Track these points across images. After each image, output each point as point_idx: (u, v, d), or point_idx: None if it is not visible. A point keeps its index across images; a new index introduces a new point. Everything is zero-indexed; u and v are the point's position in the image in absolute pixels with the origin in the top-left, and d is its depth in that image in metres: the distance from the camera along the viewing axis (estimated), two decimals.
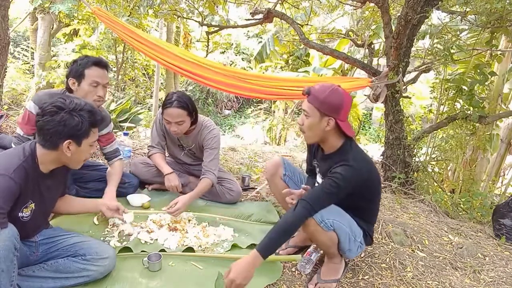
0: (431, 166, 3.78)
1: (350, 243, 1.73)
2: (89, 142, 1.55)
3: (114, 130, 2.54)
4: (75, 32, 7.39)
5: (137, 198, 2.49)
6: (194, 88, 13.18)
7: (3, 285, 1.27)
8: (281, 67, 9.60)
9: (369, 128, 12.24)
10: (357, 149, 1.76)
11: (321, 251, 2.01)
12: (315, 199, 1.63)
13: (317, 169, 1.93)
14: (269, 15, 3.80)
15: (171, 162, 2.76)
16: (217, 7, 5.26)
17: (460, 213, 3.27)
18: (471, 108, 3.26)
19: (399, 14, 3.21)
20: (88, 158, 1.62)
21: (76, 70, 2.09)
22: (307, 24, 5.77)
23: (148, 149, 2.72)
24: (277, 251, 2.05)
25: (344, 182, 1.61)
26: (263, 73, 8.11)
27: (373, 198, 1.83)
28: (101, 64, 2.14)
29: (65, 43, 7.81)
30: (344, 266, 1.90)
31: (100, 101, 2.16)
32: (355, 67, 5.88)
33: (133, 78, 8.06)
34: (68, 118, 1.45)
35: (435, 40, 2.96)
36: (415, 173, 3.38)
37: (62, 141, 1.46)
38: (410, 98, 4.49)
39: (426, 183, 3.43)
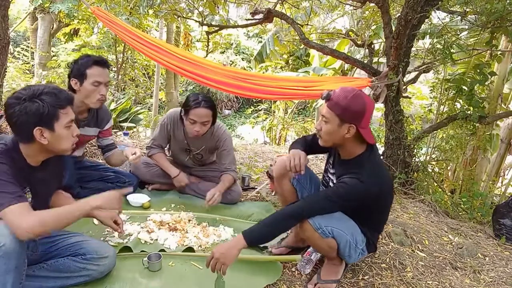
0: (431, 166, 3.77)
1: (350, 250, 1.70)
2: (63, 124, 1.44)
3: (114, 130, 2.56)
4: (75, 32, 7.39)
5: (137, 198, 2.50)
6: (194, 88, 13.20)
7: (14, 282, 1.27)
8: (281, 67, 9.59)
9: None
10: (375, 162, 1.68)
11: None
12: (311, 202, 1.63)
13: (331, 170, 1.87)
14: (269, 15, 3.80)
15: (172, 162, 2.76)
16: (217, 7, 5.26)
17: (460, 213, 3.27)
18: (471, 108, 3.25)
19: (399, 14, 3.21)
20: (75, 141, 1.52)
21: (78, 70, 2.11)
22: (307, 24, 5.76)
23: (147, 149, 2.72)
24: (270, 250, 2.05)
25: (348, 195, 1.58)
26: (263, 73, 8.11)
27: (383, 210, 1.79)
28: (101, 63, 2.15)
29: (65, 43, 7.81)
30: (344, 266, 1.89)
31: (102, 100, 2.19)
32: (355, 67, 5.87)
33: (133, 78, 8.04)
34: (28, 105, 1.38)
35: (435, 40, 2.95)
36: (415, 173, 3.38)
37: (32, 129, 1.39)
38: (410, 98, 4.49)
39: (426, 183, 3.43)
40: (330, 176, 1.87)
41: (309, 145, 1.91)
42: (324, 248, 1.70)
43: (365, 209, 1.67)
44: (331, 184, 1.85)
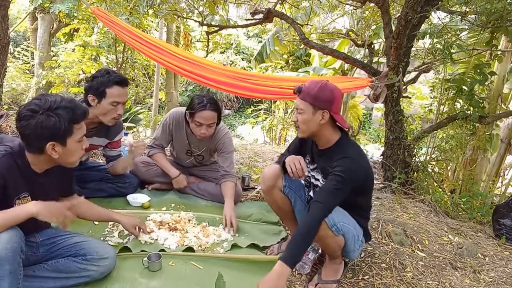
0: (431, 166, 3.77)
1: (355, 244, 1.75)
2: (75, 139, 1.45)
3: None
4: (75, 31, 7.37)
5: (137, 198, 2.50)
6: (194, 88, 13.19)
7: (11, 287, 1.27)
8: (281, 67, 9.59)
9: (369, 128, 12.25)
10: (353, 143, 1.80)
11: (319, 251, 2.01)
12: (327, 198, 1.63)
13: (311, 166, 1.92)
14: (269, 15, 3.80)
15: (172, 162, 2.76)
16: (217, 7, 5.26)
17: (460, 213, 3.27)
18: (471, 108, 3.25)
19: (399, 14, 3.21)
20: (82, 155, 1.54)
21: (97, 88, 2.07)
22: (307, 24, 5.76)
23: (148, 148, 2.72)
24: (269, 254, 2.06)
25: (350, 175, 1.63)
26: (263, 73, 8.11)
27: (369, 192, 1.86)
28: (122, 83, 2.11)
29: (65, 42, 7.80)
30: (343, 266, 1.90)
31: (118, 118, 2.18)
32: (355, 67, 5.88)
33: (133, 78, 8.03)
34: (44, 119, 1.35)
35: (435, 40, 2.95)
36: (415, 173, 3.38)
37: (45, 144, 1.39)
38: (410, 98, 4.50)
39: (426, 183, 3.43)
40: (310, 173, 1.91)
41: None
42: (333, 246, 1.72)
43: (358, 192, 1.72)
44: (313, 181, 1.89)
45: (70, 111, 1.41)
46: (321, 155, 1.81)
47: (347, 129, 1.80)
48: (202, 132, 2.40)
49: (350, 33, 5.76)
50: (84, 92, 2.15)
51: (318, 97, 1.69)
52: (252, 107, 9.62)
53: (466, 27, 3.31)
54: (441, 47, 2.88)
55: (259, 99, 8.12)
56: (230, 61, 13.20)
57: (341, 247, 1.73)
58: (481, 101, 3.27)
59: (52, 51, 7.58)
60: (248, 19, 4.28)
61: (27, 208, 1.36)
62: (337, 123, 1.75)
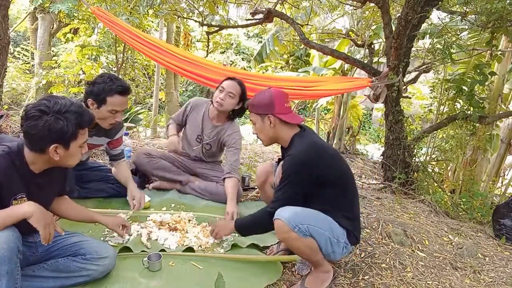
0: (431, 166, 3.78)
1: (333, 246, 1.68)
2: (78, 144, 1.47)
3: None
4: (75, 31, 7.38)
5: None
6: (194, 88, 13.20)
7: (8, 287, 1.27)
8: (281, 67, 9.60)
9: (369, 128, 12.25)
10: (304, 138, 1.79)
11: None
12: (276, 196, 1.75)
13: None
14: (269, 15, 3.80)
15: (174, 160, 2.77)
16: (217, 7, 5.26)
17: (460, 213, 3.27)
18: (471, 108, 3.26)
19: (399, 14, 3.21)
20: (80, 158, 1.55)
21: (98, 94, 2.05)
22: (307, 24, 5.77)
23: (169, 120, 2.90)
24: (269, 254, 2.06)
25: (288, 171, 1.70)
26: (263, 73, 8.11)
27: (340, 189, 1.75)
28: (124, 92, 2.10)
29: (65, 42, 7.80)
30: (331, 277, 1.82)
31: (115, 124, 2.18)
32: (355, 67, 5.88)
33: (133, 78, 8.04)
34: (52, 122, 1.36)
35: (435, 40, 2.96)
36: (415, 173, 3.38)
37: (48, 145, 1.39)
38: (410, 98, 4.50)
39: (426, 183, 3.43)
40: None
41: None
42: (304, 250, 1.66)
43: (320, 185, 1.70)
44: None
45: (79, 117, 1.43)
46: (285, 155, 1.86)
47: (301, 123, 1.85)
48: (221, 98, 2.53)
49: (350, 33, 5.77)
50: (84, 94, 2.14)
51: (258, 105, 1.81)
52: None
53: (466, 27, 3.31)
54: (441, 47, 2.89)
55: None
56: (230, 61, 13.21)
57: (314, 250, 1.66)
58: (481, 101, 3.28)
59: (52, 51, 7.58)
60: (248, 19, 4.28)
61: (22, 208, 1.35)
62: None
